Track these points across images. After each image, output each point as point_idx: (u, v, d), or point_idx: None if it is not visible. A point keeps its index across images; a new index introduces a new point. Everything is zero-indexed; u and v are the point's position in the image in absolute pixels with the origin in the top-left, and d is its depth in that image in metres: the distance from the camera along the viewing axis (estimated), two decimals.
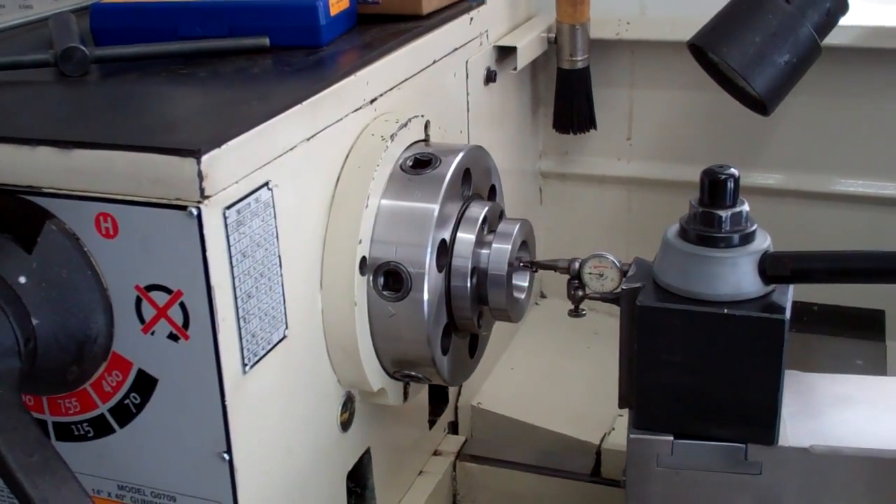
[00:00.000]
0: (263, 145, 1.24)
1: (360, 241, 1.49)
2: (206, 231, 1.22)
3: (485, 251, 1.63)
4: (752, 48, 1.92)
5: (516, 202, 2.20)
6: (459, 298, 1.60)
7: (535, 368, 2.44)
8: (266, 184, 1.27)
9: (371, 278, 1.53)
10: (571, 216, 2.50)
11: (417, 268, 1.46)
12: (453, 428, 2.14)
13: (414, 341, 1.56)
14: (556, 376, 2.41)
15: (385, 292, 1.54)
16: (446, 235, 1.51)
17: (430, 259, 1.50)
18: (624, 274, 1.61)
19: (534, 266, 1.71)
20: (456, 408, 2.14)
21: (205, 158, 1.20)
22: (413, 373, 1.63)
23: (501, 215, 1.74)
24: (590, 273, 1.62)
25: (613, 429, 2.06)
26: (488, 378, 2.27)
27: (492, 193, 1.78)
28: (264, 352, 1.32)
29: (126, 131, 1.33)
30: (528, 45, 2.10)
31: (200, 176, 1.20)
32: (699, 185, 1.41)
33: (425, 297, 1.52)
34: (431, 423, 2.00)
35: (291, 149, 1.31)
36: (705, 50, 1.96)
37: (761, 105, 1.99)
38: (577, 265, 1.64)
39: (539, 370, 2.45)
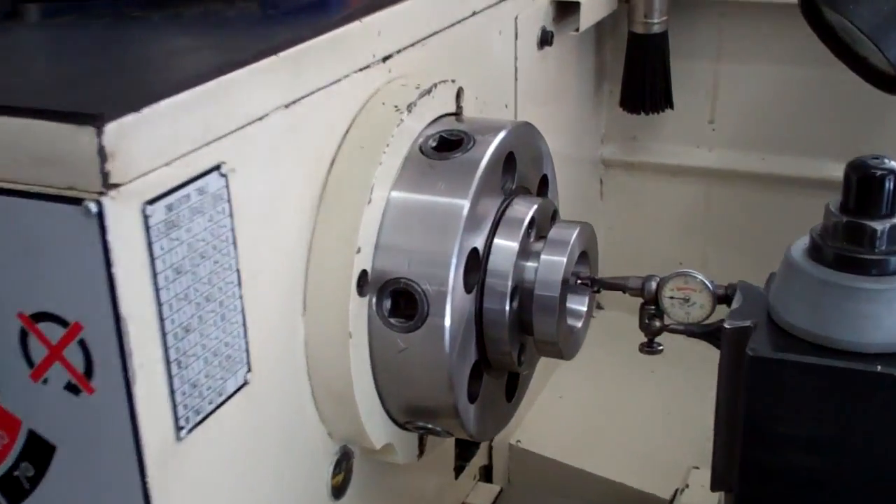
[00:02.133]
0: (214, 111, 0.92)
1: (360, 250, 1.09)
2: (111, 236, 0.82)
3: (531, 264, 1.21)
4: (887, 6, 1.49)
5: (571, 197, 1.77)
6: (495, 327, 1.19)
7: (588, 399, 2.00)
8: (217, 167, 0.95)
9: (374, 300, 1.13)
10: (638, 215, 2.19)
11: (438, 286, 1.12)
12: (486, 474, 1.73)
13: (431, 386, 1.15)
14: (614, 409, 1.97)
15: (393, 319, 1.13)
16: (479, 243, 1.17)
17: (455, 274, 1.13)
18: (718, 300, 1.17)
19: (595, 285, 1.28)
20: (490, 448, 1.72)
21: (110, 128, 0.80)
22: (430, 425, 1.22)
23: (555, 216, 1.31)
24: (671, 297, 1.19)
25: (688, 486, 1.63)
26: (531, 410, 1.86)
27: (542, 187, 1.36)
28: (213, 406, 1.00)
29: (13, 89, 0.93)
30: (594, 2, 1.67)
31: (103, 154, 0.81)
32: (843, 184, 0.97)
33: (447, 325, 1.12)
34: (458, 469, 1.61)
35: (261, 118, 1.00)
36: (824, 7, 1.52)
37: (891, 80, 1.55)
38: (653, 286, 1.21)
39: (594, 401, 2.01)
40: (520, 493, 1.78)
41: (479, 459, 1.78)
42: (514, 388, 1.37)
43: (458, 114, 1.31)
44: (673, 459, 1.68)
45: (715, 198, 2.05)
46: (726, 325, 1.02)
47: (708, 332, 1.20)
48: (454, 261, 1.13)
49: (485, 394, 1.26)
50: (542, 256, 1.23)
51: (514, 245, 1.22)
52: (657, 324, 1.24)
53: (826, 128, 1.96)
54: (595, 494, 1.73)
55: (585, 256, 1.30)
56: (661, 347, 1.27)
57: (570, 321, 1.30)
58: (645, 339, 1.28)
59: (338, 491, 1.26)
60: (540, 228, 1.28)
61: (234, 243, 1.00)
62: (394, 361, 1.17)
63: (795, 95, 1.96)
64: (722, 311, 1.25)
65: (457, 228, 1.14)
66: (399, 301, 1.16)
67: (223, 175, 0.97)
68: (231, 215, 0.99)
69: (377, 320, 1.16)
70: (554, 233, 1.26)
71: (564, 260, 1.23)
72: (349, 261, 1.12)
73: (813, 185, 1.97)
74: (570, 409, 1.96)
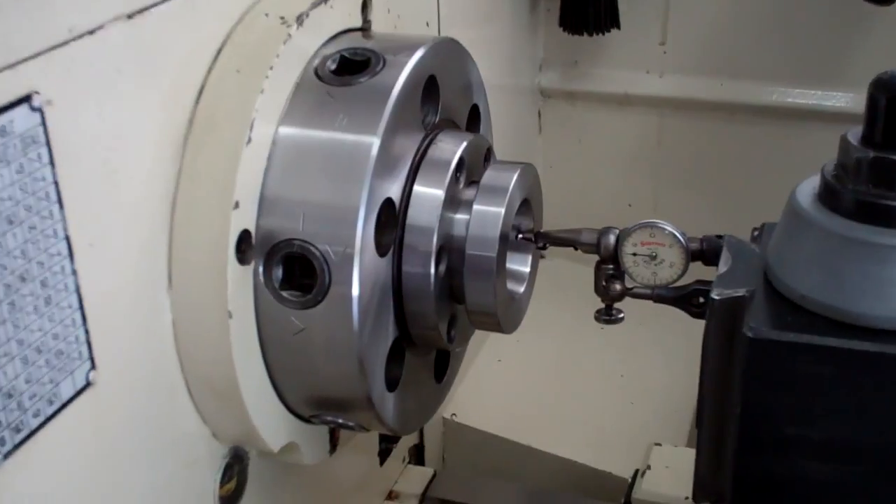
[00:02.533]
0: (17, 22, 0.70)
1: (238, 205, 0.84)
2: None
3: (461, 216, 0.98)
4: None
5: (504, 132, 1.53)
6: (417, 298, 0.97)
7: (532, 363, 1.78)
8: (26, 99, 0.72)
9: (261, 269, 0.86)
10: (581, 151, 1.98)
11: (341, 248, 0.90)
12: (417, 455, 1.49)
13: (338, 374, 0.92)
14: (562, 375, 1.74)
15: (286, 293, 0.89)
16: (394, 191, 0.95)
17: (363, 232, 0.89)
18: (692, 256, 0.94)
19: (541, 241, 1.05)
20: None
21: None
22: (340, 419, 0.97)
23: (489, 156, 1.06)
24: (634, 254, 0.96)
25: (649, 467, 1.40)
26: (465, 378, 1.63)
27: (473, 121, 1.11)
28: (41, 419, 0.78)
29: None
30: None
31: None
32: (866, 108, 0.73)
33: (354, 297, 0.89)
34: (384, 453, 1.37)
35: (91, 32, 0.77)
36: None
37: None
38: (612, 240, 0.99)
39: (538, 366, 1.78)
40: (456, 475, 1.56)
41: (408, 439, 1.54)
42: (444, 365, 1.13)
43: (364, 29, 1.05)
44: (631, 434, 1.49)
45: (668, 130, 1.86)
46: (715, 296, 0.78)
47: (681, 297, 0.97)
48: (361, 214, 0.88)
49: (407, 378, 1.02)
50: (475, 207, 0.99)
51: (439, 193, 0.97)
52: (617, 287, 1.01)
53: (792, 48, 1.74)
54: (543, 474, 1.53)
55: (527, 206, 1.06)
56: (621, 315, 1.04)
57: (511, 286, 1.07)
58: (602, 306, 1.04)
59: (229, 501, 1.01)
60: (471, 172, 1.03)
61: (60, 201, 0.74)
62: (290, 345, 0.93)
63: (756, 12, 1.78)
64: (696, 270, 1.02)
65: (364, 173, 0.89)
66: (293, 269, 0.91)
67: (36, 109, 0.71)
68: (52, 164, 0.73)
69: (266, 294, 0.91)
70: (489, 177, 1.01)
71: (502, 211, 0.98)
72: (225, 219, 0.87)
73: (780, 115, 1.75)
74: (511, 376, 1.73)
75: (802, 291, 0.75)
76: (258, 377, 0.94)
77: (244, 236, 0.89)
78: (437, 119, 1.03)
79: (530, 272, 1.11)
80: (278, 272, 0.91)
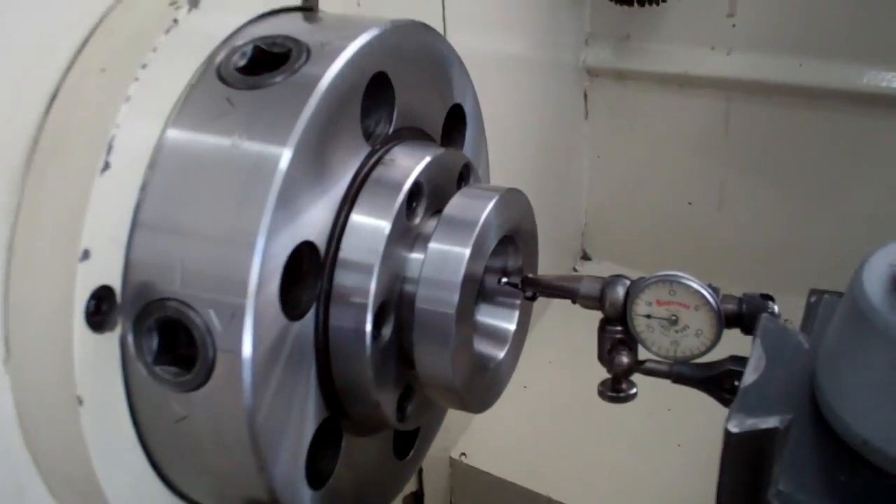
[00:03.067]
0: None
1: (87, 255, 0.61)
2: None
3: (414, 257, 0.71)
4: None
5: (545, 117, 1.26)
6: (349, 367, 0.71)
7: (562, 394, 1.51)
8: None
9: (131, 338, 0.64)
10: (633, 140, 1.71)
11: (227, 311, 0.66)
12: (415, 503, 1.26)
13: (235, 471, 0.66)
14: (597, 412, 1.42)
15: (160, 369, 0.65)
16: (317, 225, 0.72)
17: (256, 289, 0.66)
18: (727, 321, 0.68)
19: (529, 288, 0.79)
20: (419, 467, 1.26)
21: None
22: None
23: (466, 176, 0.80)
24: (648, 315, 0.70)
25: None
26: None
27: (455, 127, 0.85)
28: None
29: None
30: None
31: None
32: None
33: (245, 379, 0.66)
34: None
35: None
36: None
37: None
38: (620, 294, 0.73)
39: (570, 397, 1.51)
40: None
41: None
42: (409, 438, 0.89)
43: (308, 8, 0.80)
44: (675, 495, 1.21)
45: (736, 116, 1.59)
46: (732, 426, 0.52)
47: (708, 379, 0.71)
48: (255, 264, 0.64)
49: (349, 464, 0.78)
50: (430, 245, 0.74)
51: (383, 226, 0.72)
52: (624, 359, 0.75)
53: (888, 22, 1.42)
54: None
55: (513, 244, 0.80)
56: (633, 391, 0.79)
57: (486, 348, 0.82)
58: (609, 378, 0.79)
59: None
60: (437, 199, 0.78)
61: None
62: (172, 435, 0.69)
63: None
64: (733, 340, 0.76)
65: (262, 203, 0.64)
66: (173, 336, 0.67)
67: None
68: None
69: (140, 370, 0.68)
70: (454, 206, 0.77)
71: (466, 252, 0.73)
72: (68, 273, 0.64)
73: (870, 101, 1.45)
74: (535, 409, 1.48)
75: (866, 435, 0.49)
76: (133, 471, 0.72)
77: (102, 294, 0.66)
78: (392, 129, 0.78)
79: (516, 330, 0.85)
80: (151, 342, 0.68)
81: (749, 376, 0.58)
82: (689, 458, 1.40)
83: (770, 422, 0.53)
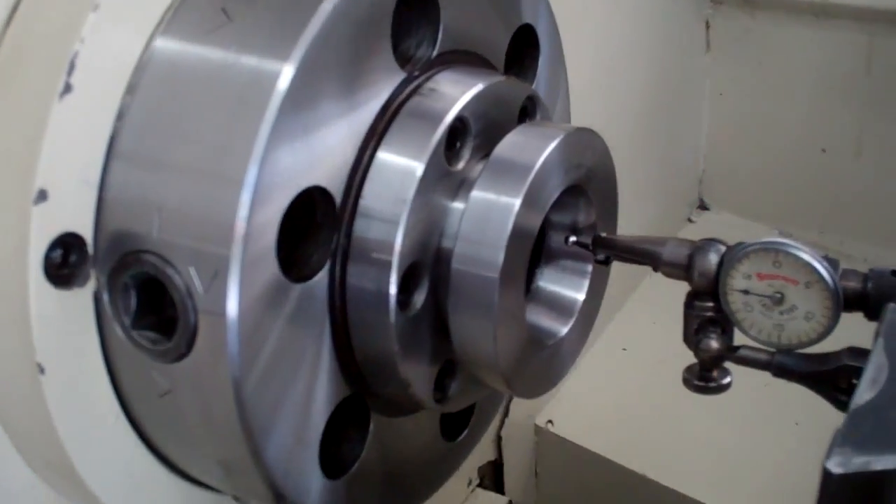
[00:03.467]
0: None
1: (44, 195, 0.51)
2: None
3: (455, 206, 0.57)
4: None
5: (658, 49, 1.09)
6: (371, 338, 0.58)
7: (665, 360, 1.32)
8: None
9: (106, 296, 0.53)
10: (762, 77, 1.51)
11: (209, 269, 0.54)
12: (493, 475, 1.13)
13: (232, 458, 0.54)
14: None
15: (139, 335, 0.53)
16: (330, 166, 0.60)
17: (243, 244, 0.53)
18: (846, 303, 0.52)
19: (602, 250, 0.64)
20: (500, 429, 1.21)
21: None
22: None
23: (532, 112, 0.66)
24: (746, 291, 0.54)
25: None
26: (573, 372, 1.20)
27: (526, 53, 0.71)
28: None
29: None
30: None
31: None
32: None
33: (230, 348, 0.54)
34: None
35: None
36: None
37: None
38: (712, 261, 0.57)
39: (673, 365, 1.31)
40: None
41: (483, 451, 1.20)
42: (462, 415, 0.76)
43: None
44: (782, 483, 1.07)
45: (881, 53, 1.39)
46: (833, 466, 0.37)
47: (819, 375, 0.56)
48: (242, 206, 0.52)
49: (379, 450, 0.66)
50: (473, 194, 0.60)
51: (415, 167, 0.59)
52: (713, 343, 0.60)
53: None
54: None
55: (583, 195, 0.66)
56: (727, 380, 0.64)
57: (545, 322, 0.68)
58: (695, 363, 0.64)
59: None
60: (487, 139, 0.64)
61: None
62: (157, 409, 0.59)
63: None
64: (853, 324, 0.60)
65: (255, 130, 0.52)
66: (157, 293, 0.56)
67: None
68: None
69: (114, 330, 0.57)
70: (506, 147, 0.62)
71: (516, 202, 0.59)
72: (21, 216, 0.53)
73: None
74: (633, 374, 1.33)
75: None
76: (116, 449, 0.61)
77: (69, 243, 0.55)
78: (436, 52, 0.64)
79: (586, 301, 0.71)
80: (128, 301, 0.57)
81: (864, 393, 0.43)
82: (808, 439, 1.23)
83: (889, 461, 0.38)
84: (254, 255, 0.54)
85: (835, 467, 0.39)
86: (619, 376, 1.33)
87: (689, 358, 1.44)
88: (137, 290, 0.57)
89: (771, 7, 1.43)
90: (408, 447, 0.72)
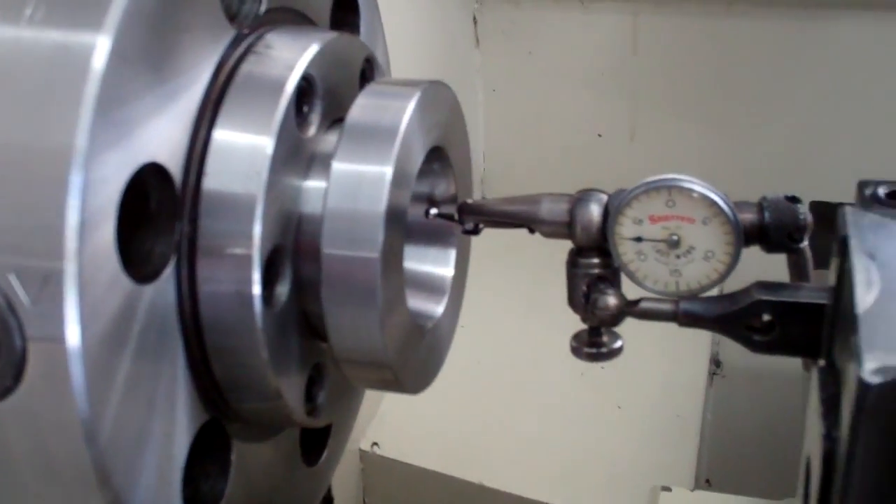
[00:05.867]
0: None
1: None
2: None
3: (311, 185, 0.49)
4: None
5: (427, 46, 1.05)
6: (233, 348, 0.48)
7: (482, 366, 1.31)
8: None
9: None
10: (533, 67, 1.50)
11: (37, 275, 0.42)
12: None
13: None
14: (522, 384, 1.25)
15: None
16: (166, 142, 0.49)
17: (77, 235, 0.43)
18: (746, 236, 0.48)
19: (470, 217, 0.58)
20: None
21: None
22: None
23: (370, 73, 0.58)
24: (638, 238, 0.49)
25: None
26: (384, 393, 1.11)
27: (347, 7, 0.63)
28: None
29: None
30: None
31: None
32: None
33: (75, 380, 0.43)
34: None
35: None
36: None
37: None
38: (594, 214, 0.51)
39: (490, 369, 1.31)
40: None
41: None
42: (318, 437, 0.67)
43: None
44: (617, 470, 1.05)
45: (646, 33, 1.42)
46: (871, 377, 0.32)
47: (729, 317, 0.52)
48: (73, 194, 0.41)
49: (242, 483, 0.56)
50: (335, 166, 0.52)
51: (264, 143, 0.50)
52: (610, 300, 0.55)
53: None
54: None
55: (442, 159, 0.59)
56: (617, 345, 0.59)
57: (419, 304, 0.60)
58: (584, 330, 0.59)
59: None
60: (333, 103, 0.56)
61: None
62: None
63: None
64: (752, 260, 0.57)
65: (75, 110, 0.41)
66: None
67: None
68: None
69: None
70: (362, 109, 0.54)
71: (387, 170, 0.52)
72: None
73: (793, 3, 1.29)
74: (453, 387, 1.26)
75: None
76: None
77: None
78: (263, 7, 0.55)
79: (455, 276, 0.64)
80: None
81: (864, 296, 0.39)
82: (633, 421, 1.22)
83: None
84: (91, 254, 0.43)
85: (873, 377, 0.34)
86: (438, 386, 1.26)
87: (503, 360, 1.40)
88: None
89: None
90: (272, 476, 0.62)
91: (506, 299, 1.36)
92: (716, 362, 1.47)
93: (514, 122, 1.51)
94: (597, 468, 1.16)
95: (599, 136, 1.48)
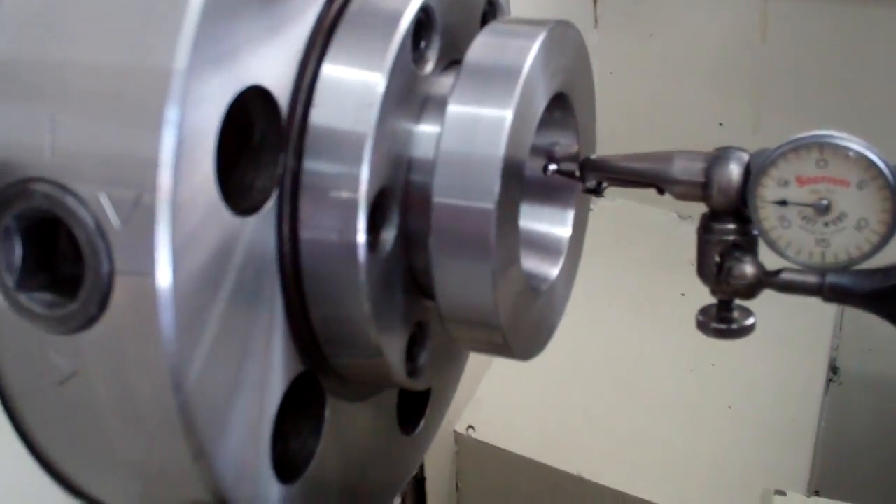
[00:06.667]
0: None
1: None
2: None
3: (425, 129, 0.46)
4: None
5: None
6: (333, 296, 0.48)
7: (586, 356, 1.26)
8: None
9: None
10: (653, 50, 1.45)
11: (131, 193, 0.39)
12: (414, 491, 0.98)
13: (159, 462, 0.39)
14: (627, 376, 1.20)
15: (27, 298, 0.42)
16: (272, 72, 0.45)
17: (173, 161, 0.39)
18: None
19: (593, 174, 0.53)
20: None
21: None
22: None
23: (493, 11, 0.54)
24: (783, 202, 0.43)
25: None
26: (489, 374, 1.09)
27: None
28: None
29: None
30: None
31: None
32: None
33: (163, 313, 0.39)
34: None
35: None
36: None
37: None
38: (734, 174, 0.46)
39: (595, 360, 1.26)
40: None
41: None
42: (416, 404, 0.63)
43: None
44: (725, 471, 1.00)
45: (777, 19, 1.36)
46: None
47: (882, 293, 0.46)
48: (171, 111, 0.38)
49: (335, 445, 0.52)
50: (450, 108, 0.48)
51: (376, 79, 0.46)
52: (747, 269, 0.50)
53: None
54: None
55: (565, 107, 0.55)
56: (749, 322, 0.54)
57: (534, 265, 0.56)
58: (712, 304, 0.54)
59: None
60: (452, 41, 0.52)
61: None
62: (53, 406, 0.44)
63: None
64: None
65: (177, 20, 0.38)
66: (48, 243, 0.41)
67: None
68: None
69: None
70: (481, 48, 0.50)
71: (507, 115, 0.48)
72: None
73: None
74: (553, 367, 1.22)
75: None
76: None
77: None
78: None
79: (573, 237, 0.60)
80: (11, 252, 0.42)
81: None
82: (744, 422, 1.16)
83: None
84: (188, 173, 0.40)
85: None
86: (537, 372, 1.22)
87: (608, 352, 1.34)
88: (23, 235, 0.42)
89: None
90: (366, 440, 0.58)
91: (615, 290, 1.31)
92: (833, 368, 1.39)
93: (629, 107, 1.45)
94: (703, 468, 1.10)
95: (720, 124, 1.42)
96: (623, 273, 1.33)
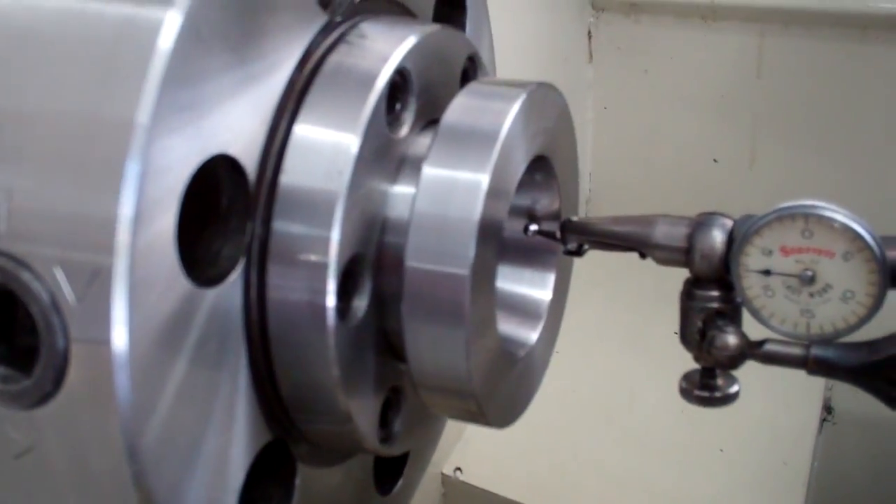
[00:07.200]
0: None
1: None
2: None
3: (400, 191, 0.44)
4: None
5: (540, 60, 1.00)
6: (302, 364, 0.44)
7: (576, 394, 1.24)
8: None
9: None
10: (648, 86, 1.44)
11: (84, 269, 0.38)
12: None
13: None
14: (619, 412, 1.18)
15: None
16: (240, 135, 0.44)
17: (131, 229, 0.38)
18: (892, 276, 0.41)
19: (573, 237, 0.51)
20: None
21: None
22: None
23: (473, 72, 0.53)
24: (765, 272, 0.42)
25: None
26: None
27: (454, 3, 0.58)
28: None
29: None
30: None
31: None
32: None
33: (120, 387, 0.39)
34: None
35: None
36: None
37: None
38: (717, 240, 0.45)
39: (584, 397, 1.24)
40: None
41: None
42: (395, 462, 0.62)
43: None
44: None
45: (772, 54, 1.35)
46: None
47: (868, 367, 0.44)
48: (129, 179, 0.37)
49: (307, 502, 0.51)
50: (425, 171, 0.47)
51: (350, 141, 0.45)
52: (730, 339, 0.48)
53: None
54: None
55: (546, 170, 0.54)
56: (733, 389, 0.52)
57: (511, 329, 0.54)
58: (696, 370, 0.52)
59: None
60: (430, 103, 0.51)
61: None
62: (9, 481, 0.42)
63: None
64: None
65: (138, 84, 0.37)
66: (12, 314, 0.40)
67: None
68: None
69: None
70: (459, 109, 0.49)
71: (484, 179, 0.46)
72: None
73: None
74: (542, 410, 1.20)
75: None
76: None
77: None
78: None
79: (553, 300, 0.58)
80: None
81: None
82: (735, 465, 1.14)
83: None
84: (146, 247, 0.38)
85: None
86: (527, 413, 1.20)
87: (599, 392, 1.32)
88: None
89: (655, 11, 1.37)
90: (339, 498, 0.57)
91: (606, 327, 1.30)
92: (827, 409, 1.37)
93: (624, 143, 1.44)
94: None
95: (715, 161, 1.40)
96: (614, 311, 1.32)
